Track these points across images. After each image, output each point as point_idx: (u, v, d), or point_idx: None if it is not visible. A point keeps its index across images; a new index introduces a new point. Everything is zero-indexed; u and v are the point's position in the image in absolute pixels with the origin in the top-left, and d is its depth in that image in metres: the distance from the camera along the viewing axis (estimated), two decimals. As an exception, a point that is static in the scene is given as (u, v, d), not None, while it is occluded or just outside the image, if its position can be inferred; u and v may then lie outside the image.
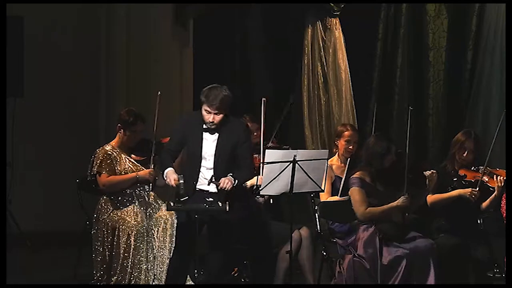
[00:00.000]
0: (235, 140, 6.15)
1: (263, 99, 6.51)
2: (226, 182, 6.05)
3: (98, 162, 6.61)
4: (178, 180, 6.02)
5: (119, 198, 6.66)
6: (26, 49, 8.68)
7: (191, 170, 6.15)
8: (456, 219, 6.59)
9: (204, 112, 6.08)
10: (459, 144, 6.65)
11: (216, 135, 6.13)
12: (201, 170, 6.17)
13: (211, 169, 6.15)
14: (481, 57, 9.05)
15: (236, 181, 6.11)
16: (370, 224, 6.30)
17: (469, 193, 6.46)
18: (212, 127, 6.10)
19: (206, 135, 6.14)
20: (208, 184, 6.14)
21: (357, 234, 6.37)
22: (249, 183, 6.52)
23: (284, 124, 7.82)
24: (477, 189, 6.46)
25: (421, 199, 6.46)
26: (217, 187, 6.08)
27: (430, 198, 6.55)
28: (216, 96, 6.04)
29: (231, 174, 6.10)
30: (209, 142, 6.14)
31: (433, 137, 9.26)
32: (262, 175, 6.01)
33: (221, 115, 6.08)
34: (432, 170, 6.44)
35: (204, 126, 6.14)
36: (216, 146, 6.13)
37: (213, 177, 6.10)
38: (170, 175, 6.08)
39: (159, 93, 6.55)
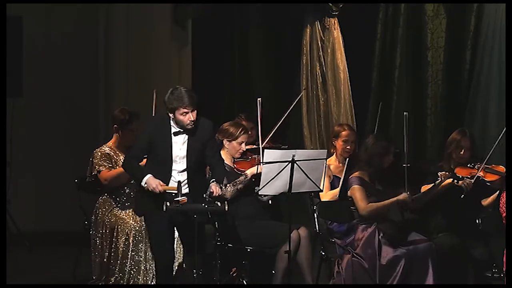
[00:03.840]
0: (205, 139, 6.12)
1: (258, 99, 6.52)
2: (217, 188, 6.03)
3: (97, 161, 6.62)
4: (178, 188, 5.98)
5: (118, 198, 6.67)
6: (25, 49, 8.69)
7: (161, 174, 6.02)
8: (455, 219, 6.60)
9: (180, 117, 6.00)
10: (455, 143, 6.67)
11: (185, 137, 6.10)
12: (172, 173, 6.11)
13: (183, 171, 6.10)
14: (479, 57, 9.04)
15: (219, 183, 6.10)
16: (370, 224, 6.31)
17: (461, 181, 6.48)
18: (193, 126, 6.06)
19: (175, 138, 6.11)
20: (208, 198, 6.10)
21: (356, 234, 6.38)
22: (249, 172, 6.54)
23: (282, 124, 7.83)
24: (472, 181, 6.48)
25: (420, 199, 6.48)
26: (210, 196, 6.04)
27: (423, 189, 6.55)
28: (187, 96, 5.99)
29: (214, 179, 6.07)
30: (179, 145, 6.09)
31: (432, 137, 9.27)
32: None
33: (195, 111, 6.07)
34: (445, 172, 6.46)
35: (174, 130, 6.08)
36: (187, 148, 6.09)
37: (208, 192, 6.08)
38: (153, 182, 5.95)
39: (154, 91, 6.56)
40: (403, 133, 6.33)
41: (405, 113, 6.33)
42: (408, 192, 6.16)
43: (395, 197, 6.20)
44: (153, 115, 6.57)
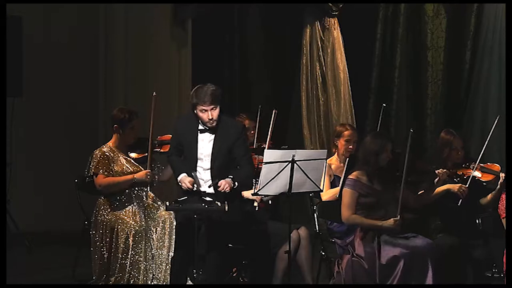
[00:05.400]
0: (231, 140, 6.17)
1: (274, 111, 6.56)
2: (225, 184, 6.08)
3: (95, 163, 6.61)
4: (194, 180, 6.08)
5: (118, 198, 6.66)
6: (25, 49, 8.68)
7: (188, 170, 6.19)
8: (455, 219, 6.60)
9: (200, 114, 6.11)
10: (449, 145, 6.68)
11: (212, 135, 6.16)
12: (197, 170, 6.20)
13: (208, 169, 6.18)
14: (479, 57, 9.06)
15: (236, 183, 6.14)
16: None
17: (457, 188, 6.49)
18: (213, 124, 6.12)
19: (201, 136, 6.18)
20: (209, 187, 6.17)
21: (355, 234, 6.38)
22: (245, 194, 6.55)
23: (282, 124, 7.83)
24: (467, 185, 6.49)
25: (422, 199, 6.48)
26: (215, 189, 6.11)
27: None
28: (206, 92, 6.10)
29: (231, 176, 6.13)
30: (205, 143, 6.18)
31: (432, 137, 9.27)
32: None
33: (217, 110, 6.12)
34: (443, 169, 6.47)
35: (200, 127, 6.18)
36: (213, 146, 6.16)
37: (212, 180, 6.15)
38: (184, 180, 6.17)
39: (153, 93, 6.57)
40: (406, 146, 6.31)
41: (411, 131, 6.25)
42: (398, 217, 6.12)
43: (381, 223, 6.16)
44: (152, 119, 6.56)
